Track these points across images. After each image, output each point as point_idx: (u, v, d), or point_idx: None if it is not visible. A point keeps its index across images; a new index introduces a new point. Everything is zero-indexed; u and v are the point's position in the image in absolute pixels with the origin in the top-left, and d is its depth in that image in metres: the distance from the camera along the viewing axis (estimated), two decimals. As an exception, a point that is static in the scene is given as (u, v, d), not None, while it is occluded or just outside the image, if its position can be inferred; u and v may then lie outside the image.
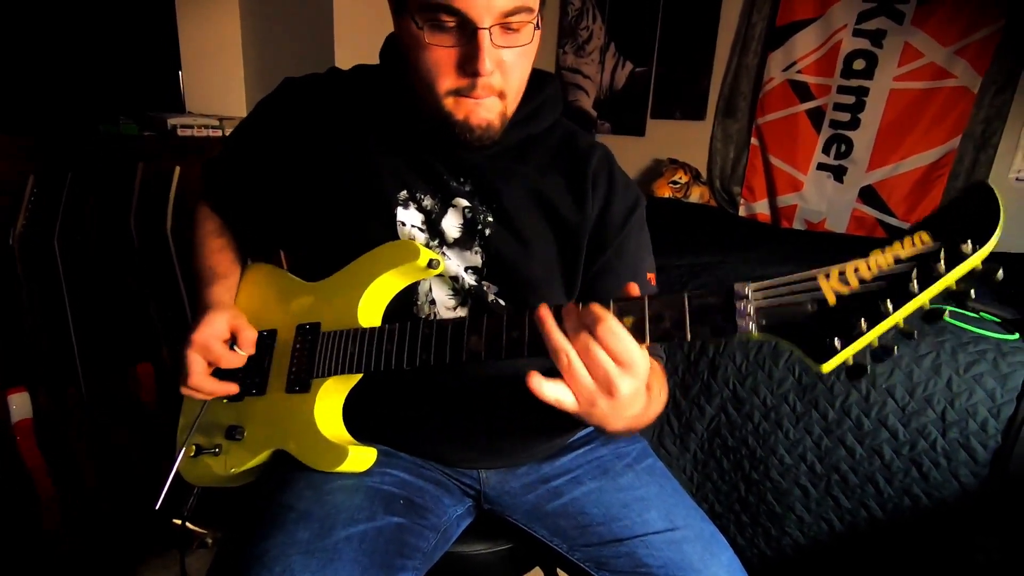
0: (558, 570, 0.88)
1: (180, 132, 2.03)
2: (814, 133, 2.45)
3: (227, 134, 2.12)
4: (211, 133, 2.09)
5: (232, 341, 0.74)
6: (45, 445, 1.51)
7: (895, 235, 0.47)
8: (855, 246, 2.10)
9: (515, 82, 0.67)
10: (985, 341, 1.13)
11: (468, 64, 0.63)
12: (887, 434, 1.15)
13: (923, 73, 2.17)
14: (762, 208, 2.64)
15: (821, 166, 2.45)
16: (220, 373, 0.74)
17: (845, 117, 2.36)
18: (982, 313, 1.21)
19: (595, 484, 0.77)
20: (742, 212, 2.68)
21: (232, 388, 0.74)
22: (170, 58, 2.33)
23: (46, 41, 1.99)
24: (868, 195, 2.35)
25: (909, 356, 1.14)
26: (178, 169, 1.84)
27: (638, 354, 0.51)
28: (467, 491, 0.80)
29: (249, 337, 0.74)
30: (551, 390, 0.52)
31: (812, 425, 1.21)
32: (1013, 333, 1.15)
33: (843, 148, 2.39)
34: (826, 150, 2.43)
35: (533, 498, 0.78)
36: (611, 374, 0.51)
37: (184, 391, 0.72)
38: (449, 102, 0.66)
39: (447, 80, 0.65)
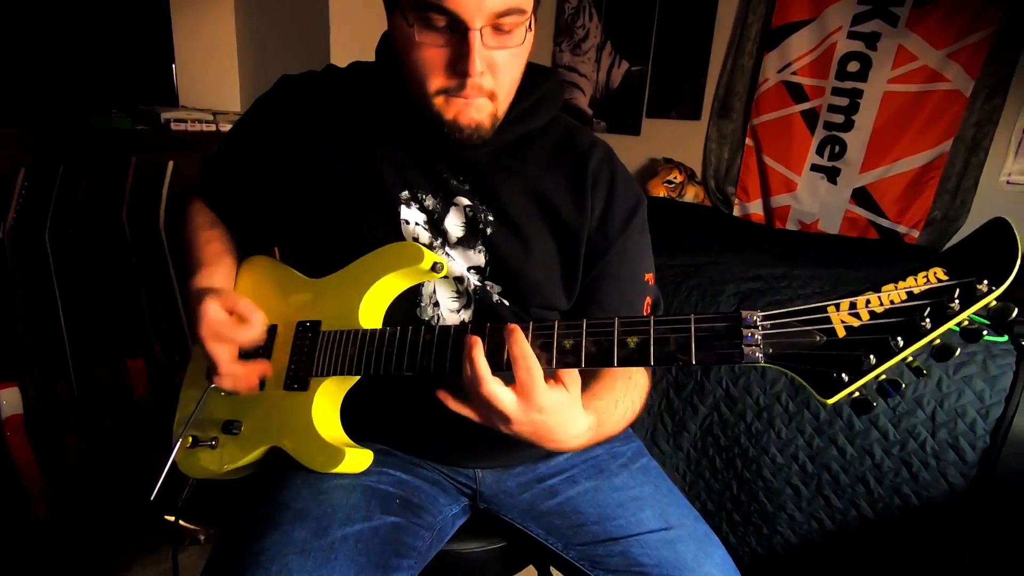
0: (552, 569, 0.89)
1: (174, 126, 2.01)
2: (808, 134, 2.46)
3: (221, 129, 2.11)
4: (205, 127, 2.07)
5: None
6: (36, 441, 1.50)
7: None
8: (848, 247, 2.12)
9: (506, 83, 0.67)
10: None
11: (458, 64, 0.62)
12: (878, 434, 1.16)
13: (916, 76, 2.19)
14: (756, 208, 2.65)
15: (815, 167, 2.47)
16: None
17: (839, 119, 2.37)
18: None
19: (590, 484, 0.77)
20: (736, 212, 2.69)
21: (267, 367, 0.72)
22: (163, 51, 2.31)
23: (37, 32, 1.97)
24: (861, 196, 2.37)
25: (900, 357, 1.15)
26: (171, 163, 1.83)
27: (512, 411, 0.56)
28: (463, 490, 0.80)
29: (248, 306, 0.71)
30: (454, 405, 0.60)
31: (804, 425, 1.22)
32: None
33: (837, 149, 2.40)
34: (820, 151, 2.45)
35: (528, 497, 0.78)
36: (492, 419, 0.58)
37: (219, 383, 0.70)
38: (439, 101, 0.66)
39: (436, 80, 0.64)
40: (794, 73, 2.44)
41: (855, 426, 1.17)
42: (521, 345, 0.56)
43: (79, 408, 1.68)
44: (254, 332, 0.71)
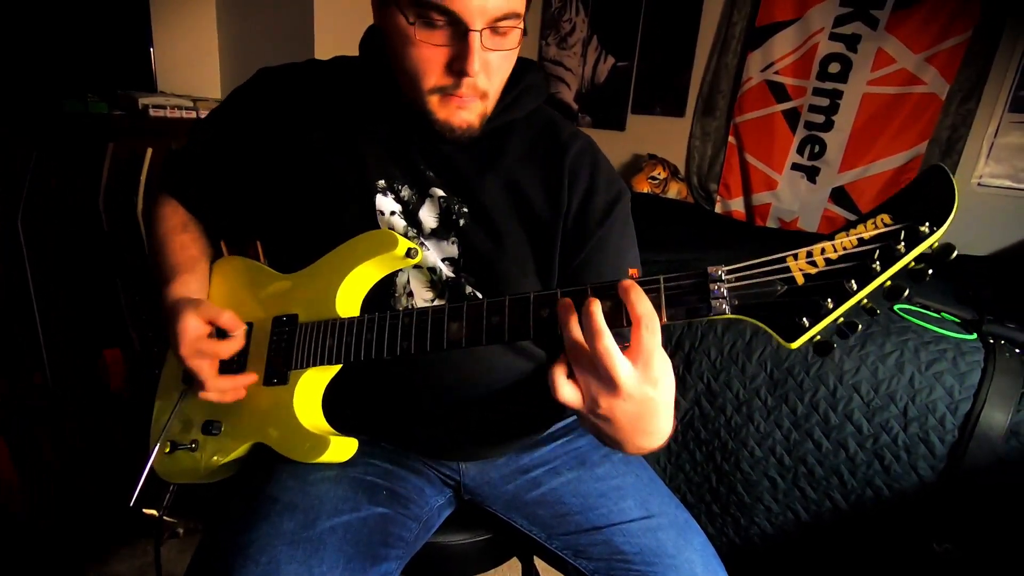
0: (536, 559, 0.90)
1: (152, 112, 1.97)
2: (789, 133, 2.50)
3: (202, 115, 2.07)
4: (185, 114, 2.03)
5: (216, 335, 0.71)
6: (9, 433, 1.46)
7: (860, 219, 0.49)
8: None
9: (497, 83, 0.69)
10: (945, 340, 1.18)
11: (456, 63, 0.63)
12: (852, 428, 1.19)
13: (895, 78, 2.24)
14: (737, 206, 2.69)
15: (795, 166, 2.51)
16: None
17: (819, 119, 2.42)
18: (943, 313, 1.26)
19: (573, 474, 0.78)
20: (718, 209, 2.73)
21: (252, 377, 0.72)
22: (140, 34, 2.25)
23: (8, 11, 1.91)
24: (839, 196, 2.42)
25: (875, 354, 1.19)
26: (150, 151, 1.79)
27: (625, 379, 0.49)
28: (447, 481, 0.81)
29: (230, 319, 0.71)
30: (565, 392, 0.52)
31: (782, 419, 1.25)
32: (971, 333, 1.20)
33: (816, 149, 2.45)
34: (800, 151, 2.49)
35: (512, 488, 0.79)
36: (599, 391, 0.51)
37: (206, 397, 0.70)
38: (433, 100, 0.67)
39: (433, 78, 0.65)
40: (777, 73, 2.48)
41: (831, 420, 1.21)
42: (645, 303, 0.49)
43: (54, 399, 1.64)
44: (235, 345, 0.71)
